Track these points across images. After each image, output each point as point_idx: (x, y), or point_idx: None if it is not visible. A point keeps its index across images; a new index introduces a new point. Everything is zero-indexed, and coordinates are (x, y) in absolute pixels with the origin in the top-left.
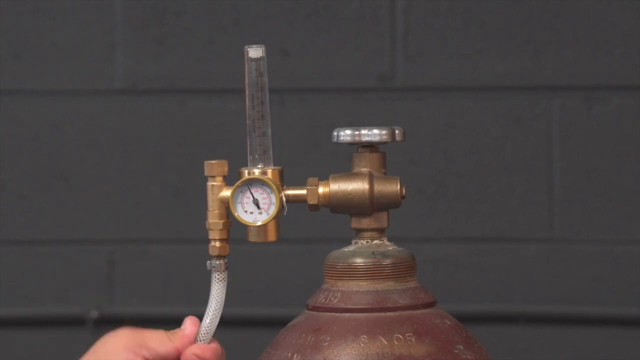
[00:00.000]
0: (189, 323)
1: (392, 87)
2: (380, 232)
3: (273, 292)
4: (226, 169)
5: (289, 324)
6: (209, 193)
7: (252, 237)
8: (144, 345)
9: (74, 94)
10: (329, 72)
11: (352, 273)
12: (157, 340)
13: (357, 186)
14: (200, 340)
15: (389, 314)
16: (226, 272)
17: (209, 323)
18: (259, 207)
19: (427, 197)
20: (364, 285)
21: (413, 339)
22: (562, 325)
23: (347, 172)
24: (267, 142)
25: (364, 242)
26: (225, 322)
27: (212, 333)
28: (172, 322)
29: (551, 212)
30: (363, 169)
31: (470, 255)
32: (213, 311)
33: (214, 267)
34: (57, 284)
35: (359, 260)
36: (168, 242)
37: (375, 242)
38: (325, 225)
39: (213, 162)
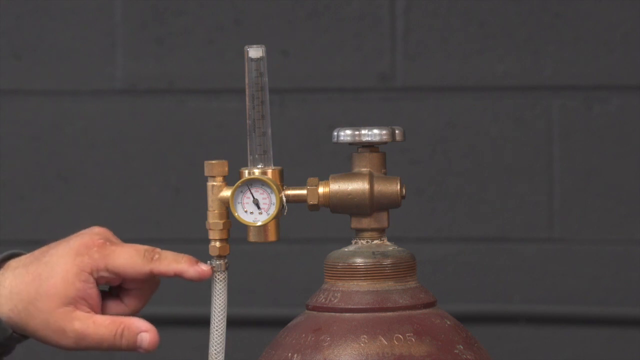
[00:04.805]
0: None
1: (392, 87)
2: (380, 232)
3: (273, 292)
4: (226, 169)
5: (289, 324)
6: (209, 193)
7: (252, 237)
8: (107, 267)
9: (74, 94)
10: (329, 72)
11: (352, 273)
12: (126, 259)
13: (357, 186)
14: (213, 346)
15: (389, 314)
16: (226, 272)
17: (217, 325)
18: (259, 207)
19: (427, 197)
20: (364, 285)
21: (413, 339)
22: (562, 325)
23: (347, 172)
24: (267, 142)
25: (364, 242)
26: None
27: (223, 334)
28: (172, 322)
29: (551, 212)
30: (363, 169)
31: (470, 255)
32: (218, 312)
33: (214, 267)
34: None
35: (359, 260)
36: (168, 242)
37: (375, 242)
38: (325, 225)
39: (213, 162)
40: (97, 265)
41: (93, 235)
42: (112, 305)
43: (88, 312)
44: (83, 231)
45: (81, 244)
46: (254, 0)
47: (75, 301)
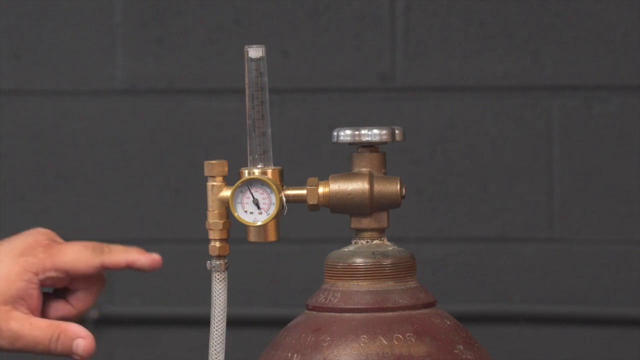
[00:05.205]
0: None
1: (392, 87)
2: (380, 232)
3: (273, 292)
4: (226, 169)
5: (289, 324)
6: (209, 193)
7: (252, 237)
8: (55, 266)
9: (74, 94)
10: (329, 72)
11: (352, 273)
12: (75, 254)
13: (357, 186)
14: (213, 346)
15: (389, 314)
16: (226, 272)
17: (217, 325)
18: (259, 207)
19: (427, 197)
20: (364, 285)
21: (413, 339)
22: (562, 325)
23: (347, 172)
24: (267, 142)
25: (364, 242)
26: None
27: (223, 334)
28: (172, 322)
29: (551, 212)
30: (363, 169)
31: (470, 255)
32: (218, 312)
33: (214, 267)
34: None
35: (359, 260)
36: (168, 242)
37: (375, 242)
38: (325, 225)
39: (213, 162)
40: (44, 265)
41: (37, 235)
42: (58, 306)
43: (26, 313)
44: (26, 232)
45: (26, 245)
46: (254, 0)
47: (15, 301)
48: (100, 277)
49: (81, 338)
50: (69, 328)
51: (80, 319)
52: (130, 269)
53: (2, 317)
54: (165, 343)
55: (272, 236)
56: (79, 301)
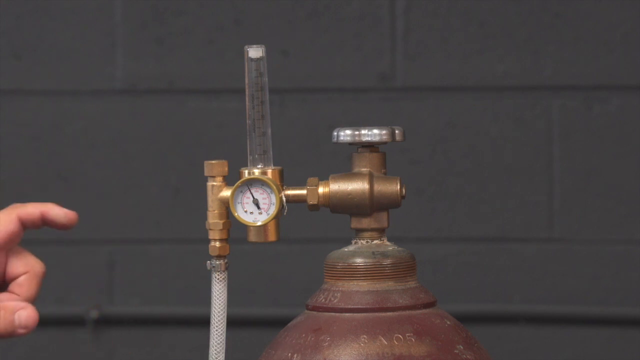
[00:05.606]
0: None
1: (392, 87)
2: (380, 232)
3: (273, 292)
4: (226, 169)
5: (289, 324)
6: (209, 193)
7: (252, 237)
8: None
9: (74, 94)
10: (329, 72)
11: (352, 273)
12: None
13: (357, 186)
14: (213, 346)
15: (389, 314)
16: (226, 272)
17: (217, 325)
18: (259, 207)
19: (427, 197)
20: (364, 285)
21: (413, 339)
22: (562, 325)
23: (347, 172)
24: (267, 142)
25: (364, 242)
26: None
27: (223, 334)
28: (172, 322)
29: (551, 212)
30: (363, 169)
31: (470, 255)
32: (218, 312)
33: (214, 267)
34: (57, 284)
35: (359, 260)
36: (168, 242)
37: (375, 242)
38: (325, 225)
39: (213, 162)
40: None
41: None
42: (2, 298)
43: None
44: None
45: None
46: (254, 0)
47: None
48: (36, 264)
49: (22, 309)
50: (7, 304)
51: (80, 319)
52: (46, 225)
53: None
54: (165, 343)
55: (272, 236)
56: (23, 287)
